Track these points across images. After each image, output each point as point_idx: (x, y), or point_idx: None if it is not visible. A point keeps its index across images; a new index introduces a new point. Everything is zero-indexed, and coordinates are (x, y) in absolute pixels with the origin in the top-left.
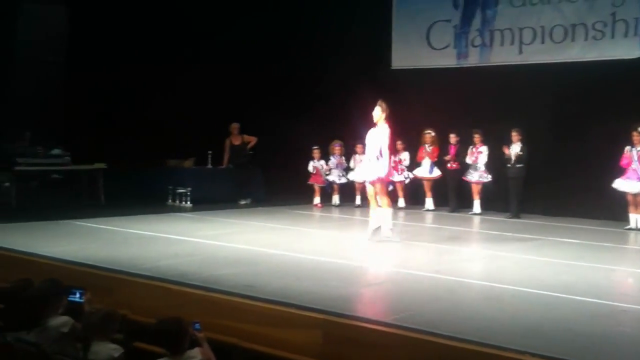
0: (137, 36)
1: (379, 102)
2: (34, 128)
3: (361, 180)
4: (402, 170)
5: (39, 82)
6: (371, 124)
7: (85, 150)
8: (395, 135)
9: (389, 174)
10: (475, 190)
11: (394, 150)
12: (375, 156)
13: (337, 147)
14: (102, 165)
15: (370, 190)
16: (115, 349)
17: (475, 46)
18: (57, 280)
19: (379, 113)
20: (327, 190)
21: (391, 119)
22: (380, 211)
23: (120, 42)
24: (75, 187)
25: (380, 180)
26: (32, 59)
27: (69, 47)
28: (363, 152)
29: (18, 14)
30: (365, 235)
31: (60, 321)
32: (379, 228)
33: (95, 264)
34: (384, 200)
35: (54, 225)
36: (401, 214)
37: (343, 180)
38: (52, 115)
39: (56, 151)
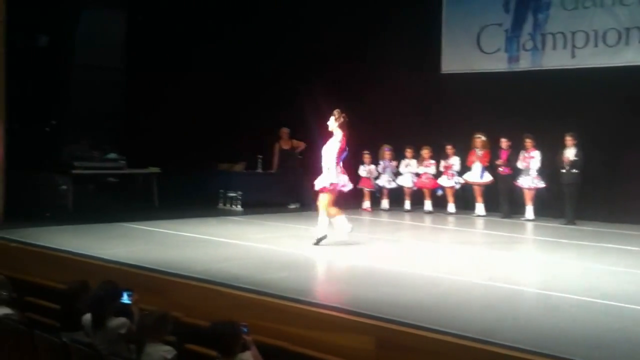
0: (193, 42)
1: (335, 111)
2: (92, 132)
3: (410, 185)
4: (452, 175)
5: (98, 87)
6: (420, 129)
7: (140, 154)
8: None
9: (336, 184)
10: (528, 195)
11: (445, 155)
12: (326, 166)
13: (386, 152)
14: (156, 169)
15: (320, 198)
16: (167, 351)
17: (527, 50)
18: (113, 283)
19: (332, 122)
20: (376, 195)
21: (350, 127)
22: (335, 221)
23: (176, 48)
24: (130, 190)
25: (324, 190)
26: (92, 65)
27: (127, 53)
28: (413, 157)
29: (78, 20)
30: (312, 240)
31: (118, 322)
32: (324, 237)
33: (149, 266)
34: (330, 211)
35: (109, 228)
36: (451, 219)
37: (392, 184)
38: (110, 120)
39: (112, 155)
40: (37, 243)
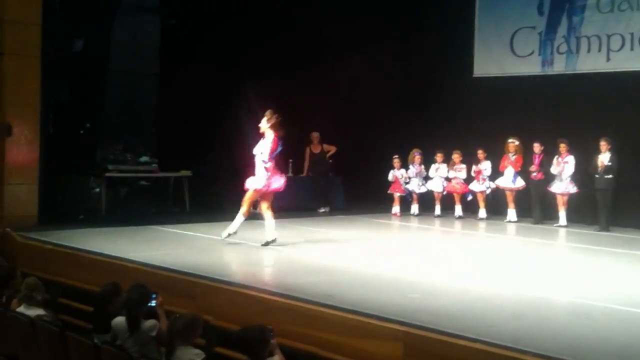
0: (224, 46)
1: (267, 111)
2: (126, 136)
3: (440, 190)
4: (484, 180)
5: (132, 91)
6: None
7: (172, 158)
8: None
9: (268, 185)
10: (561, 201)
11: (476, 159)
12: (259, 166)
13: (416, 156)
14: (187, 173)
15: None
16: (197, 354)
17: (561, 53)
18: (144, 286)
19: (264, 123)
20: (406, 199)
21: (283, 128)
22: (238, 217)
23: (208, 52)
24: (162, 194)
25: (256, 191)
26: (126, 69)
27: (160, 57)
28: (443, 161)
29: (113, 25)
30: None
31: (149, 325)
32: (235, 233)
33: (179, 269)
34: (244, 208)
35: (141, 231)
36: (482, 225)
37: (422, 189)
38: (143, 124)
39: (144, 158)
40: (71, 245)
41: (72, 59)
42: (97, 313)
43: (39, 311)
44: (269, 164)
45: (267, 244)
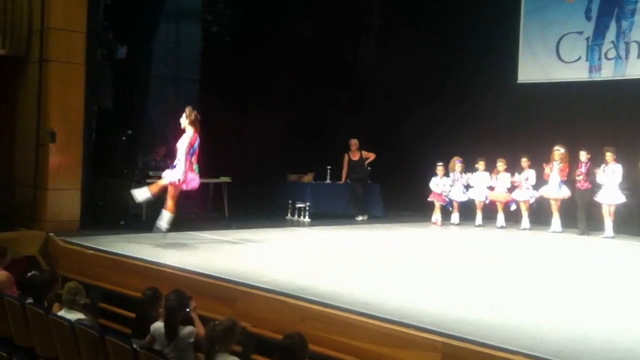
0: (265, 53)
1: (186, 108)
2: (167, 141)
3: (481, 199)
4: (527, 188)
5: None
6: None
7: (212, 164)
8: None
9: (184, 181)
10: (608, 211)
11: (519, 168)
12: (177, 160)
13: (457, 164)
14: (226, 179)
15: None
16: None
17: (609, 59)
18: (182, 291)
19: (183, 119)
20: (447, 208)
21: (198, 124)
22: (164, 212)
23: (248, 59)
24: (202, 200)
25: (172, 184)
26: (168, 75)
27: (202, 64)
28: (485, 169)
29: (156, 32)
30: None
31: (187, 331)
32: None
33: (217, 275)
34: (169, 203)
35: (180, 236)
36: (525, 235)
37: (463, 197)
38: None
39: None
40: (111, 250)
41: (115, 65)
42: (137, 318)
43: (79, 315)
44: (183, 159)
45: (156, 230)
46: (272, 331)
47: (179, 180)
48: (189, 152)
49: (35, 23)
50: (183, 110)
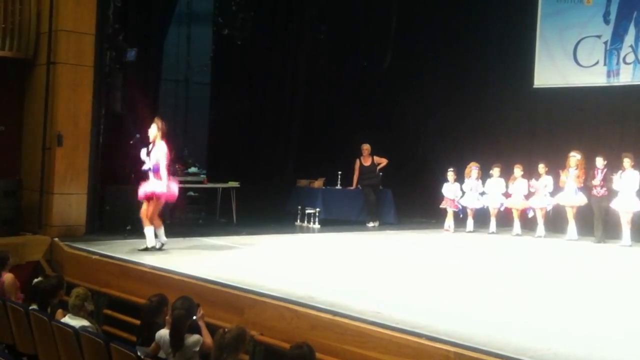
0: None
1: (155, 119)
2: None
3: (496, 206)
4: (544, 195)
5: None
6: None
7: (220, 168)
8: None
9: (168, 193)
10: (625, 219)
11: (537, 174)
12: (152, 174)
13: (473, 169)
14: (235, 184)
15: (143, 207)
16: None
17: (628, 63)
18: (190, 298)
19: (154, 131)
20: (460, 215)
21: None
22: (147, 229)
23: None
24: (210, 205)
25: (155, 195)
26: (178, 79)
27: (212, 68)
28: (500, 175)
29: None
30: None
31: (193, 340)
32: (147, 248)
33: (225, 282)
34: (154, 219)
35: (187, 242)
36: (541, 243)
37: (478, 204)
38: (194, 134)
39: (193, 169)
40: (117, 256)
41: (125, 68)
42: (143, 325)
43: (84, 322)
44: (165, 173)
45: (145, 249)
46: (282, 340)
47: (163, 194)
48: (168, 165)
49: (44, 25)
50: (194, 114)
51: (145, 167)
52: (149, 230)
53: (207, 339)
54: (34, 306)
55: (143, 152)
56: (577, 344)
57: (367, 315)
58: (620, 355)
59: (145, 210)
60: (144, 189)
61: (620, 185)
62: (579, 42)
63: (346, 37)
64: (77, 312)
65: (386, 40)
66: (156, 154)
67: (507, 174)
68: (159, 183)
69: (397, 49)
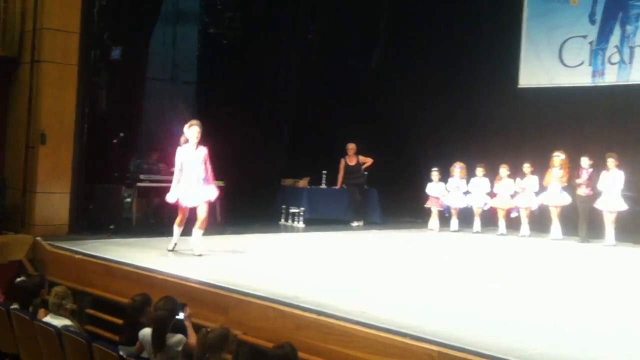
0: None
1: (196, 122)
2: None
3: (480, 205)
4: (529, 195)
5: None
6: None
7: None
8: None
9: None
10: (609, 219)
11: (521, 173)
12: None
13: (457, 169)
14: (220, 183)
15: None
16: None
17: (613, 63)
18: (173, 298)
19: (197, 134)
20: (445, 214)
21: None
22: (196, 233)
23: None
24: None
25: (210, 202)
26: (164, 78)
27: (198, 67)
28: (485, 175)
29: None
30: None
31: (176, 340)
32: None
33: (210, 281)
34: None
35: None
36: (525, 242)
37: (461, 204)
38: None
39: None
40: (100, 255)
41: (110, 67)
42: (126, 325)
43: (66, 321)
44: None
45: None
46: (267, 340)
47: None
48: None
49: (28, 24)
50: (179, 113)
51: (199, 176)
52: (197, 234)
53: (192, 339)
54: (16, 305)
55: (180, 155)
56: (565, 343)
57: (352, 314)
58: (611, 353)
59: (198, 216)
60: (199, 197)
61: (604, 185)
62: (564, 42)
63: (335, 37)
64: (57, 310)
65: (374, 41)
66: (204, 159)
67: (493, 174)
68: (212, 188)
69: (384, 50)
